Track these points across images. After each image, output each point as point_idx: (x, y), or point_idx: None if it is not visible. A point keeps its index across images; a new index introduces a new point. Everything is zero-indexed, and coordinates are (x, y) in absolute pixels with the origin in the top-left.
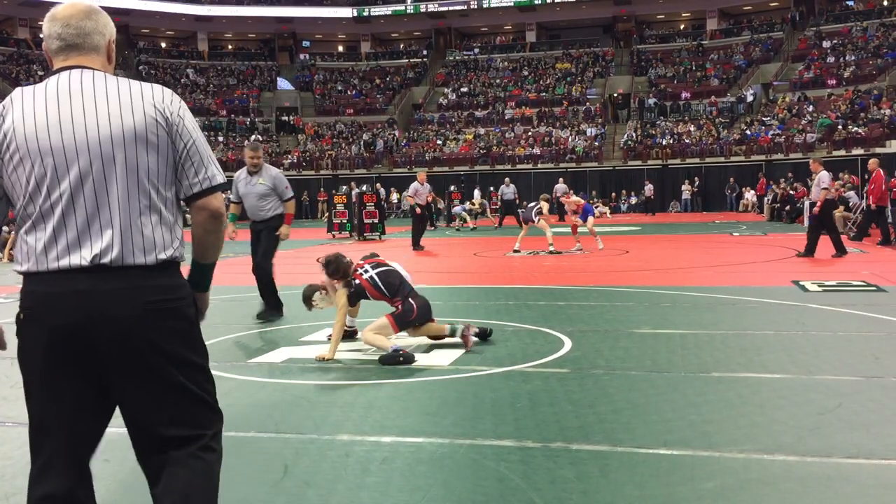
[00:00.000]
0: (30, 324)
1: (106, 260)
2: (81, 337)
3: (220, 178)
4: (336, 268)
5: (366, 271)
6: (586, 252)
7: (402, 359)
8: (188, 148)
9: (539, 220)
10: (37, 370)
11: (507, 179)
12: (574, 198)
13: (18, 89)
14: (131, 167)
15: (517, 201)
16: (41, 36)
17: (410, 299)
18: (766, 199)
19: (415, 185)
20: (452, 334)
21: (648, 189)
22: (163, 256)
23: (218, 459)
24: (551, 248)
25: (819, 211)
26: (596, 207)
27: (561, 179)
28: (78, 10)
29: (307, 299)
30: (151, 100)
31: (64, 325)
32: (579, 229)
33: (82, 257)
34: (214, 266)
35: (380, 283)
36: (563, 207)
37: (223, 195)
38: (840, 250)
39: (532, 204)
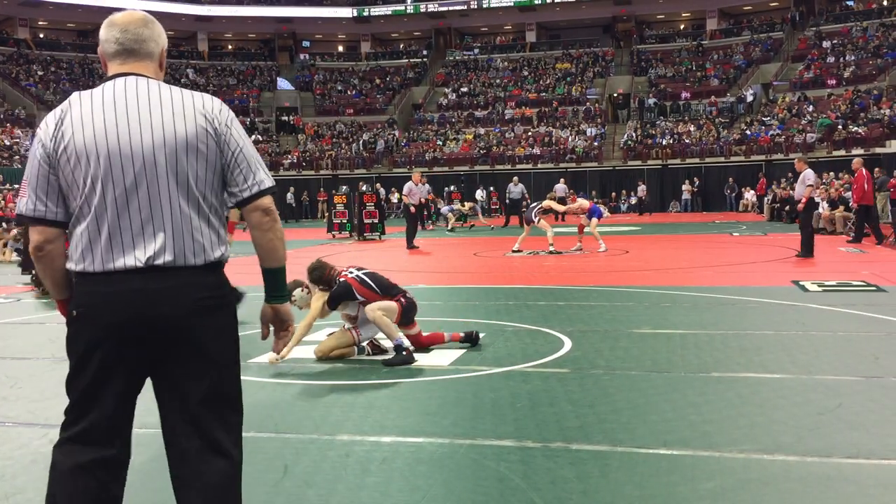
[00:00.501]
0: (83, 321)
1: (159, 262)
2: (133, 333)
3: (269, 182)
4: (319, 275)
5: (351, 272)
6: (586, 252)
7: (405, 355)
8: (236, 156)
9: (539, 220)
10: (87, 365)
11: (515, 178)
12: (580, 201)
13: (76, 93)
14: (182, 174)
15: (526, 201)
16: (77, 43)
17: (403, 298)
18: (766, 199)
19: (409, 184)
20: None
21: (641, 189)
22: (211, 258)
23: (237, 466)
24: (551, 249)
25: (802, 208)
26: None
27: (562, 180)
28: (136, 17)
29: (289, 293)
30: (202, 109)
31: (117, 322)
32: (585, 230)
33: (136, 259)
34: (284, 272)
35: (368, 281)
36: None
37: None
38: (806, 251)
39: (534, 204)
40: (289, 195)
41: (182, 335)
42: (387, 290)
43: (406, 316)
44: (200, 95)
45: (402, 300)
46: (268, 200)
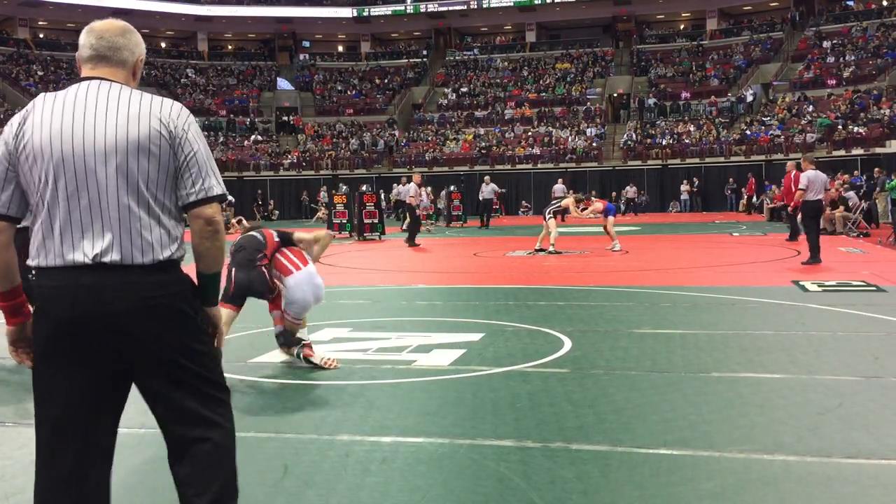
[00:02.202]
0: (40, 314)
1: (107, 259)
2: (85, 328)
3: (218, 189)
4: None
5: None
6: (586, 252)
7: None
8: (188, 159)
9: (550, 218)
10: (42, 358)
11: (486, 178)
12: (595, 204)
13: (42, 94)
14: (132, 175)
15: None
16: (76, 43)
17: (235, 269)
18: (753, 199)
19: (412, 185)
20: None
21: (632, 191)
22: (160, 257)
23: (230, 435)
24: (552, 248)
25: (793, 209)
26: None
27: (560, 180)
28: (114, 26)
29: (216, 297)
30: (158, 113)
31: (70, 317)
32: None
33: (85, 255)
34: (218, 278)
35: (241, 244)
36: (543, 208)
37: (220, 205)
38: (812, 257)
39: (554, 202)
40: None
41: (133, 332)
42: (232, 253)
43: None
44: (161, 100)
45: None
46: (212, 210)
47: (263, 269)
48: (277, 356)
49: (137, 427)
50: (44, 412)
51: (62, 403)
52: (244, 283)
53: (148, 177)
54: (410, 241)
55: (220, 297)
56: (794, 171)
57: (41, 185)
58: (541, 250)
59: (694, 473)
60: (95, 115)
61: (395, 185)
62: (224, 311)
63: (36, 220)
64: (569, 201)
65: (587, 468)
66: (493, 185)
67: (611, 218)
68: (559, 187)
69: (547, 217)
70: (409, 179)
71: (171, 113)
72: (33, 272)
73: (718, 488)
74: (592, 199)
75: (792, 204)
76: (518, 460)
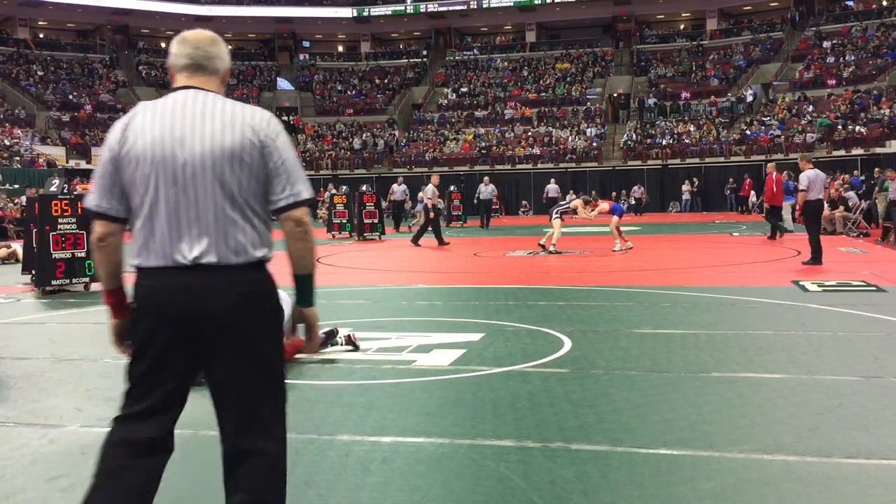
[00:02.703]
0: (140, 312)
1: (205, 260)
2: (180, 325)
3: (307, 194)
4: None
5: None
6: (586, 252)
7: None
8: (277, 166)
9: (557, 218)
10: (144, 353)
11: (486, 178)
12: (601, 205)
13: (142, 102)
14: (226, 181)
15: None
16: (76, 43)
17: None
18: (753, 199)
19: (430, 186)
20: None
21: (639, 191)
22: (253, 258)
23: (283, 446)
24: (552, 248)
25: (800, 213)
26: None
27: (553, 180)
28: (206, 36)
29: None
30: (250, 122)
31: (169, 315)
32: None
33: (184, 256)
34: (312, 279)
35: None
36: (551, 208)
37: (308, 208)
38: (814, 258)
39: (562, 202)
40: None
41: (228, 328)
42: None
43: None
44: (252, 109)
45: None
46: (300, 212)
47: None
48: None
49: None
50: (138, 395)
51: (154, 390)
52: None
53: (240, 183)
54: (439, 240)
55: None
56: (774, 173)
57: (142, 189)
58: (541, 246)
59: (694, 473)
60: (193, 123)
61: (393, 185)
62: None
63: (138, 222)
64: (577, 203)
65: (587, 468)
66: (492, 186)
67: (615, 218)
68: (552, 187)
69: (553, 217)
70: (404, 180)
71: (261, 122)
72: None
73: (718, 488)
74: (598, 200)
75: (798, 206)
76: (518, 460)
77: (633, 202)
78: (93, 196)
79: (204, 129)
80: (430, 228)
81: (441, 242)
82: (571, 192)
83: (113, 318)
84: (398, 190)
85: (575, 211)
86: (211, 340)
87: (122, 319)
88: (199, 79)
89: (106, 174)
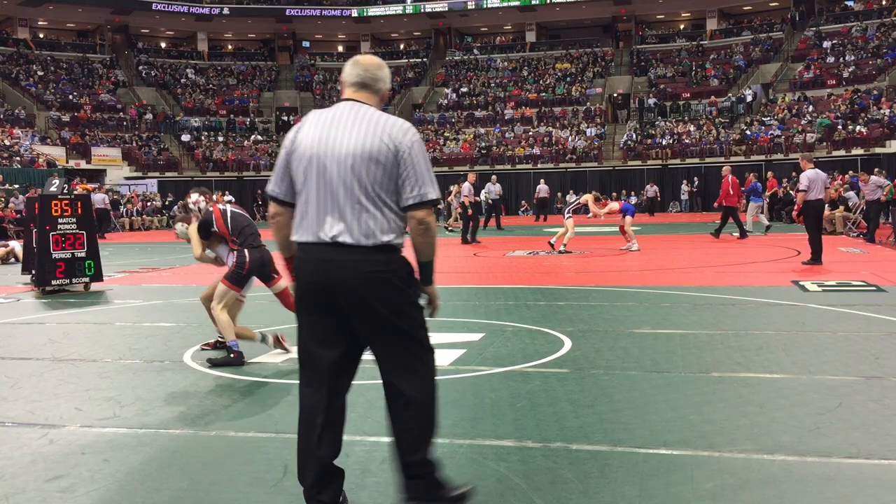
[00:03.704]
0: (298, 280)
1: (341, 240)
2: (324, 290)
3: (432, 195)
4: (203, 190)
5: (221, 204)
6: (586, 252)
7: (232, 357)
8: (409, 170)
9: (569, 218)
10: (301, 309)
11: (493, 178)
12: (610, 204)
13: (314, 111)
14: (363, 177)
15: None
16: (76, 43)
17: (247, 250)
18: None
19: (466, 184)
20: (263, 340)
21: (652, 190)
22: (380, 241)
23: (428, 389)
24: (562, 248)
25: (798, 213)
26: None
27: (542, 181)
28: (376, 62)
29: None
30: (389, 131)
31: (314, 283)
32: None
33: (326, 235)
34: (432, 265)
35: (228, 217)
36: (542, 208)
37: (432, 208)
38: (814, 258)
39: (571, 199)
40: None
41: (357, 300)
42: (238, 232)
43: (260, 272)
44: (395, 120)
45: (234, 257)
46: (423, 212)
47: (264, 247)
48: (277, 356)
49: (137, 427)
50: (304, 345)
51: (314, 339)
52: (258, 262)
53: (375, 179)
54: (472, 238)
55: (231, 282)
56: (730, 176)
57: (302, 179)
58: (550, 245)
59: (694, 473)
60: (344, 129)
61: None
62: (232, 295)
63: (298, 205)
64: (588, 198)
65: (587, 468)
66: (499, 186)
67: (628, 218)
68: (543, 187)
69: (566, 217)
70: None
71: (398, 132)
72: None
73: (718, 488)
74: (607, 199)
75: (796, 206)
76: (518, 460)
77: (646, 201)
78: (270, 183)
79: (351, 134)
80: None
81: (473, 240)
82: (571, 192)
83: (291, 282)
84: (542, 189)
85: (587, 209)
86: (348, 308)
87: (293, 281)
88: (362, 94)
89: (281, 166)
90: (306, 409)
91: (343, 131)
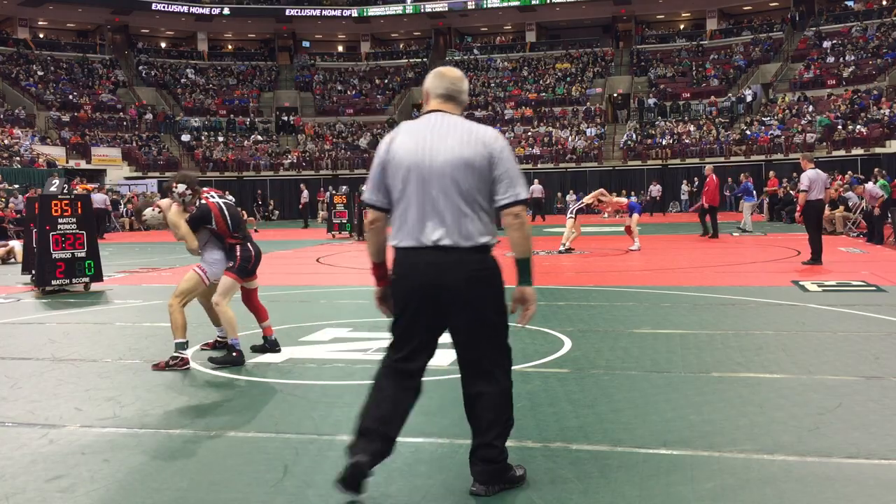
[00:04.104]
0: (398, 281)
1: (443, 243)
2: (427, 291)
3: (524, 194)
4: (191, 180)
5: (212, 196)
6: (585, 252)
7: (234, 356)
8: (502, 173)
9: (570, 218)
10: (404, 312)
11: (535, 180)
12: (617, 199)
13: (405, 122)
14: (460, 183)
15: (577, 196)
16: (76, 44)
17: (249, 244)
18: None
19: None
20: (184, 347)
21: (656, 189)
22: (478, 242)
23: (505, 389)
24: (563, 247)
25: (800, 213)
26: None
27: (536, 180)
28: (458, 75)
29: (139, 213)
30: (482, 139)
31: (418, 283)
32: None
33: (428, 239)
34: (529, 263)
35: (226, 213)
36: (538, 209)
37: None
38: (814, 258)
39: (574, 198)
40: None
41: (459, 298)
42: (237, 227)
43: (252, 270)
44: (483, 128)
45: (238, 253)
46: (518, 208)
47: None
48: (277, 356)
49: (137, 427)
50: (401, 344)
51: (412, 339)
52: (259, 254)
53: (471, 184)
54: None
55: (237, 274)
56: (712, 175)
57: (401, 187)
58: (569, 249)
59: (694, 473)
60: (438, 138)
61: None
62: (236, 288)
63: (396, 211)
64: (595, 193)
65: (587, 468)
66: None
67: (635, 216)
68: (537, 187)
69: (568, 216)
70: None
71: (490, 139)
72: None
73: (718, 488)
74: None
75: (798, 208)
76: (518, 460)
77: (649, 200)
78: (367, 192)
79: (446, 143)
80: None
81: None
82: (571, 192)
83: (377, 286)
84: (536, 189)
85: (590, 207)
86: (448, 305)
87: (383, 287)
88: (448, 105)
89: (376, 175)
90: (378, 387)
91: (439, 141)
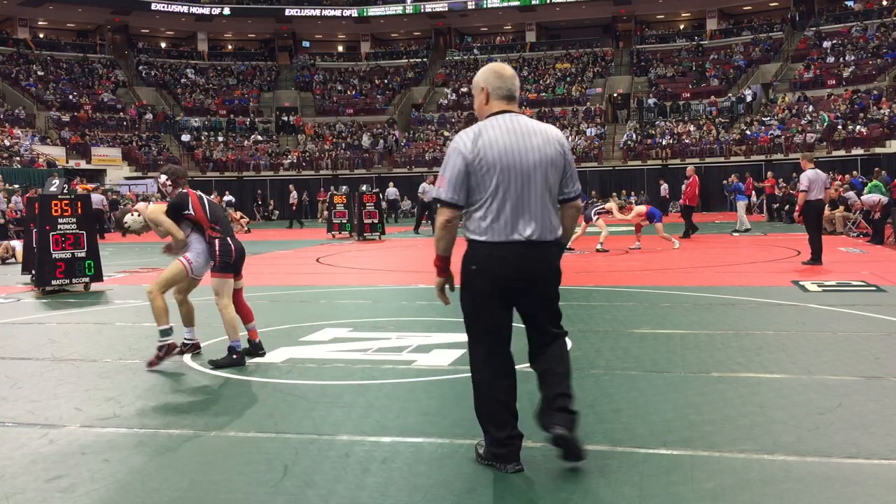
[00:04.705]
0: (480, 273)
1: (533, 238)
2: (512, 282)
3: (580, 189)
4: (173, 172)
5: (196, 190)
6: (586, 252)
7: (235, 358)
8: (570, 170)
9: (598, 218)
10: (486, 302)
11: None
12: (636, 209)
13: (483, 122)
14: (546, 181)
15: (592, 199)
16: (76, 43)
17: (229, 239)
18: (751, 199)
19: (424, 185)
20: (167, 333)
21: (664, 189)
22: (557, 236)
23: (565, 342)
24: (599, 247)
25: (799, 213)
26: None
27: None
28: (513, 73)
29: (119, 222)
30: (556, 138)
31: (504, 274)
32: (643, 230)
33: (520, 234)
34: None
35: (205, 202)
36: (422, 209)
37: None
38: (814, 258)
39: (592, 201)
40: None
41: (539, 284)
42: (217, 220)
43: (239, 262)
44: (550, 127)
45: (217, 245)
46: (578, 201)
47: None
48: (277, 356)
49: (137, 427)
50: (483, 332)
51: (494, 325)
52: (240, 250)
53: (554, 181)
54: None
55: (220, 269)
56: (693, 176)
57: (493, 187)
58: (604, 250)
59: (694, 473)
60: (524, 139)
61: (390, 183)
62: (221, 281)
63: (483, 209)
64: (612, 206)
65: (587, 468)
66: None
67: (659, 225)
68: (424, 186)
69: (594, 218)
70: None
71: (561, 138)
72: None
73: (718, 488)
74: (632, 203)
75: (797, 208)
76: None
77: (662, 199)
78: (445, 191)
79: (532, 143)
80: None
81: None
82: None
83: (439, 276)
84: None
85: (609, 211)
86: (523, 291)
87: (445, 278)
88: (512, 105)
89: (459, 175)
90: (493, 374)
91: (525, 141)
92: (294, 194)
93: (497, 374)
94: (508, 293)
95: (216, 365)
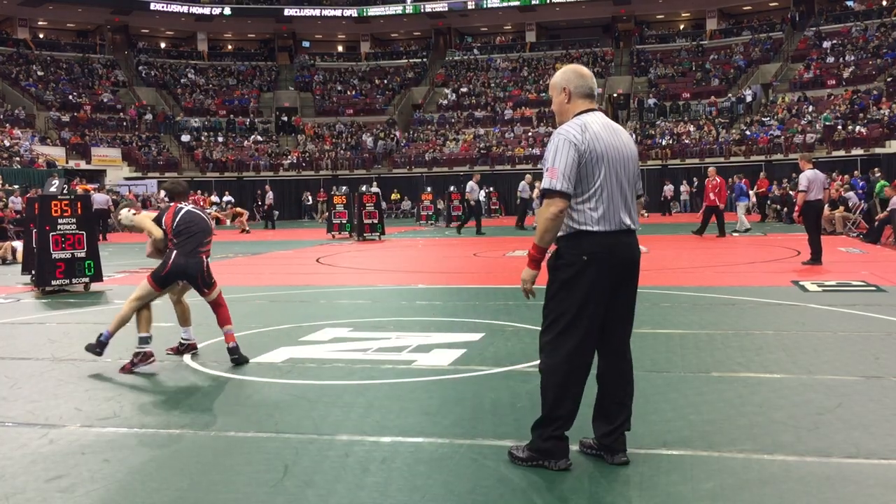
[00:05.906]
0: (592, 262)
1: (632, 227)
2: (622, 268)
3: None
4: (170, 190)
5: (185, 205)
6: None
7: (97, 350)
8: (638, 168)
9: None
10: (598, 292)
11: (528, 177)
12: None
13: (582, 116)
14: (634, 175)
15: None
16: (76, 44)
17: (177, 252)
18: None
19: (471, 183)
20: (146, 342)
21: (669, 189)
22: (638, 226)
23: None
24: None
25: (798, 213)
26: None
27: (528, 177)
28: (591, 73)
29: (117, 207)
30: (630, 138)
31: (617, 261)
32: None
33: (624, 224)
34: None
35: (178, 217)
36: (524, 207)
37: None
38: (814, 258)
39: None
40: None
41: (635, 269)
42: (178, 233)
43: (183, 277)
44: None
45: (182, 259)
46: (644, 199)
47: (204, 256)
48: (277, 356)
49: (137, 427)
50: (585, 325)
51: (598, 317)
52: (181, 267)
53: (637, 176)
54: (479, 231)
55: (153, 279)
56: (717, 178)
57: (599, 178)
58: None
59: (694, 473)
60: (617, 135)
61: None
62: (151, 292)
63: (592, 201)
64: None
65: (587, 468)
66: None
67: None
68: (523, 184)
69: None
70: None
71: (631, 139)
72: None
73: (718, 488)
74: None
75: (797, 208)
76: None
77: (665, 199)
78: (560, 181)
79: (623, 139)
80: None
81: (480, 233)
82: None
83: (533, 270)
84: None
85: None
86: (626, 280)
87: (537, 271)
88: (593, 103)
89: (573, 165)
90: (585, 368)
91: (616, 137)
92: (270, 195)
93: (584, 369)
94: (618, 282)
95: (87, 348)
